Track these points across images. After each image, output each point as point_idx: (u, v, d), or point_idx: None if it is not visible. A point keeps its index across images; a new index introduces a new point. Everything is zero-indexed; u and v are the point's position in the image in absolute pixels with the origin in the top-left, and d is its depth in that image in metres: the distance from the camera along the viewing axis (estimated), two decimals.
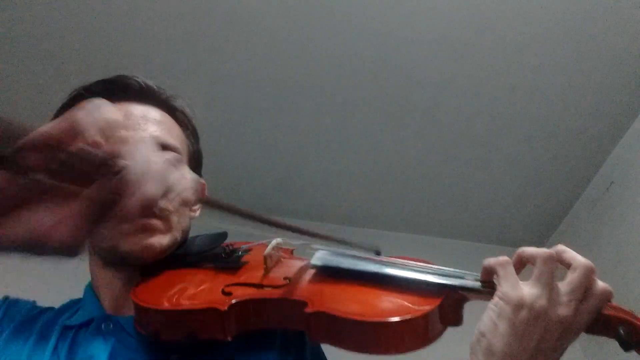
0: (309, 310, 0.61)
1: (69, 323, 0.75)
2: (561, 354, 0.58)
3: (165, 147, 0.77)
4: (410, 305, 0.61)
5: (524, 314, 0.56)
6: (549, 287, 0.57)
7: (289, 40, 1.81)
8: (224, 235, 0.80)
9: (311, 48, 1.83)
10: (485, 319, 0.58)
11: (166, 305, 0.65)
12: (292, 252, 0.79)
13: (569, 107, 2.02)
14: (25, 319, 0.75)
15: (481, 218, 2.44)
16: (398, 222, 2.46)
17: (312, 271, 0.71)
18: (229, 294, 0.66)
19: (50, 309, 0.79)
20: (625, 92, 1.97)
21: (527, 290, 0.57)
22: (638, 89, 1.96)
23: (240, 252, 0.77)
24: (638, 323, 0.58)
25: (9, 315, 0.75)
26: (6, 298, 0.79)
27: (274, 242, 0.76)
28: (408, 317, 0.59)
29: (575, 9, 1.75)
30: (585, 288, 0.57)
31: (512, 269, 0.59)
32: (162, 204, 0.73)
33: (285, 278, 0.69)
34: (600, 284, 0.59)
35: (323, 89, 1.94)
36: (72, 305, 0.81)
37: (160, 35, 1.76)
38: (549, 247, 0.60)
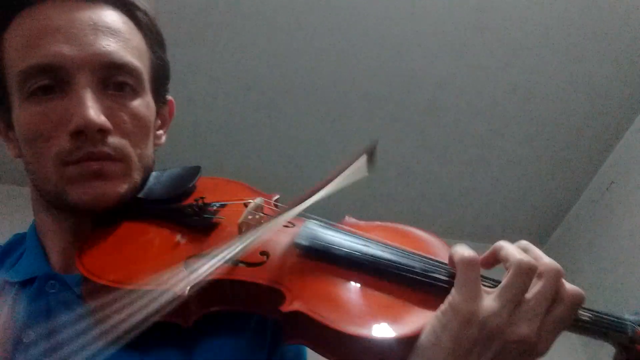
0: (285, 308, 0.49)
1: (10, 278, 0.61)
2: None
3: (118, 66, 0.60)
4: (414, 311, 0.50)
5: (472, 331, 0.46)
6: (514, 303, 0.46)
7: (289, 40, 1.81)
8: (195, 170, 0.67)
9: (311, 48, 1.83)
10: (427, 330, 0.47)
11: (114, 279, 0.53)
12: (277, 206, 0.64)
13: (569, 107, 2.02)
14: None
15: (481, 218, 2.43)
16: (398, 222, 2.46)
17: (295, 249, 0.57)
18: None
19: None
20: (625, 92, 1.97)
21: (485, 303, 0.47)
22: (638, 89, 1.96)
23: (213, 209, 0.61)
24: None
25: None
26: None
27: (254, 203, 0.60)
28: (410, 332, 0.48)
29: (575, 9, 1.75)
30: (553, 298, 0.47)
31: (475, 274, 0.48)
32: (116, 140, 0.59)
33: (262, 253, 0.55)
34: (569, 288, 0.48)
35: (323, 88, 1.94)
36: (16, 246, 0.68)
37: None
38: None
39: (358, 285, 0.52)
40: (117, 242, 0.58)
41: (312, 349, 0.51)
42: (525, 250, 0.50)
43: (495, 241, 0.53)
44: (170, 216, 0.61)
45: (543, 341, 0.47)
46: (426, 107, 2.01)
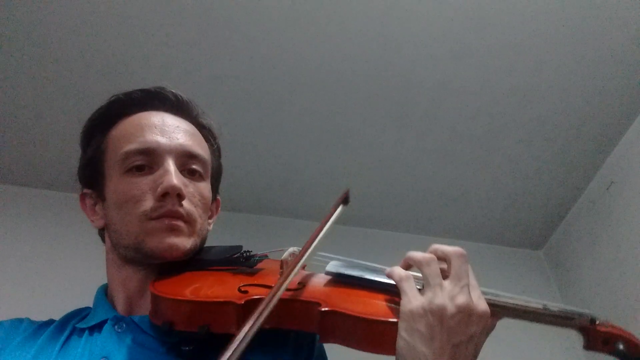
0: (322, 308, 0.64)
1: (80, 325, 0.76)
2: (481, 342, 0.62)
3: (193, 156, 0.81)
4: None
5: (428, 319, 0.59)
6: (439, 286, 0.61)
7: (289, 41, 1.81)
8: (238, 247, 0.83)
9: (311, 48, 1.83)
10: (399, 340, 0.60)
11: (183, 296, 0.68)
12: (304, 267, 0.81)
13: (569, 107, 2.02)
14: (27, 334, 0.75)
15: (481, 218, 2.44)
16: (398, 222, 2.46)
17: (324, 278, 0.75)
18: (245, 292, 0.68)
19: (51, 320, 0.80)
20: (625, 92, 1.97)
21: (422, 298, 0.61)
22: (638, 89, 1.96)
23: (257, 258, 0.81)
24: (634, 339, 0.63)
25: (7, 337, 0.74)
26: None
27: (290, 249, 0.79)
28: None
29: (575, 9, 1.75)
30: (467, 271, 0.63)
31: (410, 283, 0.63)
32: (188, 206, 0.77)
33: (299, 283, 0.72)
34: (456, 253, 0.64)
35: (323, 89, 1.94)
36: (80, 312, 0.82)
37: (160, 36, 1.76)
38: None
39: (370, 294, 0.70)
40: (181, 279, 0.75)
41: (343, 343, 0.64)
42: (435, 250, 0.66)
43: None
44: (223, 264, 0.79)
45: (479, 308, 0.61)
46: (426, 107, 2.01)
